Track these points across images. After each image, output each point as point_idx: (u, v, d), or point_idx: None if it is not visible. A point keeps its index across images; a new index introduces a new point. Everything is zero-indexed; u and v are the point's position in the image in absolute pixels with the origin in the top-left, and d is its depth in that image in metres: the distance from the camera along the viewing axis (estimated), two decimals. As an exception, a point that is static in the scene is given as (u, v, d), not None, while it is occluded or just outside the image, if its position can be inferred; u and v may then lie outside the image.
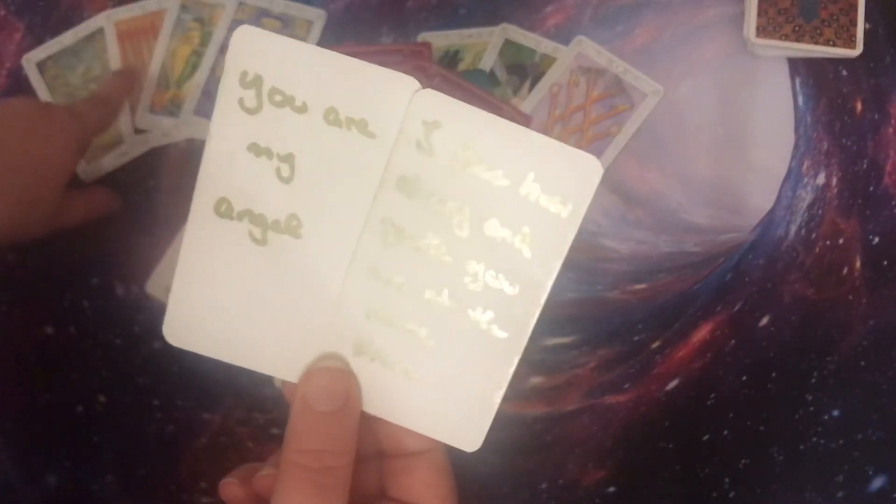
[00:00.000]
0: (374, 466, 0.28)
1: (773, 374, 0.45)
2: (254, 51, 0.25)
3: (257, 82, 0.25)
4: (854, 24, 0.46)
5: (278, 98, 0.25)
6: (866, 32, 0.47)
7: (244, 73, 0.25)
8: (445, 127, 0.25)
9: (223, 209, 0.26)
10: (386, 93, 0.25)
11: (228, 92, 0.25)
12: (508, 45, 0.48)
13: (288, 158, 0.25)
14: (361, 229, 0.25)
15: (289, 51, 0.25)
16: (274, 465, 0.26)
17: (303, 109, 0.25)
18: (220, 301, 0.26)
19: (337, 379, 0.26)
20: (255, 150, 0.25)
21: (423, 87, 0.24)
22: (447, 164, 0.25)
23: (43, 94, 0.49)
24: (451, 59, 0.49)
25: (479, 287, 0.25)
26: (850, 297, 0.45)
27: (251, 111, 0.25)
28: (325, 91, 0.25)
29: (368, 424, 0.27)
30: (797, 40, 0.46)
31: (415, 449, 0.27)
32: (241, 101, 0.25)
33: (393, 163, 0.25)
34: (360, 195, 0.25)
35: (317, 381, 0.26)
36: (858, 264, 0.45)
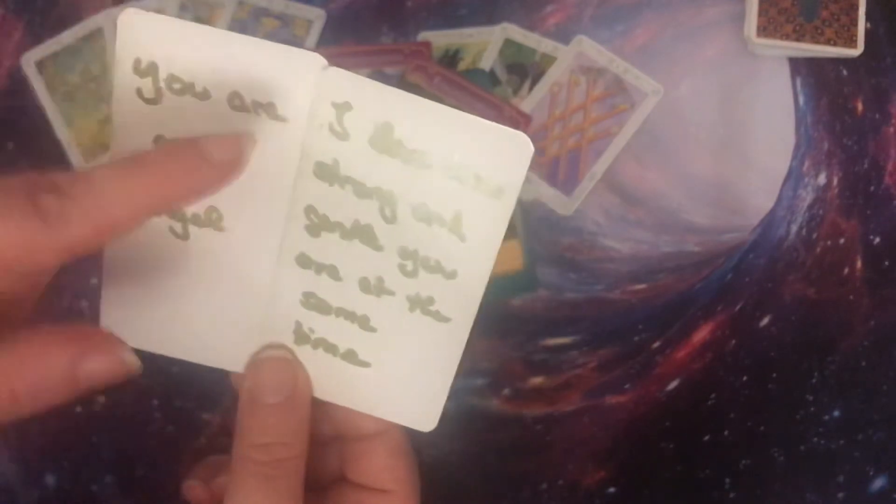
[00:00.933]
0: (332, 450, 0.28)
1: (774, 375, 0.45)
2: (144, 36, 0.23)
3: (153, 70, 0.23)
4: (855, 23, 0.46)
5: (177, 86, 0.23)
6: (867, 32, 0.46)
7: (137, 61, 0.23)
8: (358, 108, 0.23)
9: None
10: (290, 73, 0.23)
11: (124, 82, 0.23)
12: (508, 45, 0.48)
13: None
14: (285, 219, 0.24)
15: (182, 34, 0.23)
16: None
17: (205, 96, 0.23)
18: (152, 297, 0.25)
19: (282, 368, 0.25)
20: (162, 141, 0.24)
21: (330, 66, 0.23)
22: (365, 148, 0.23)
23: (42, 93, 0.49)
24: (451, 58, 0.48)
25: (416, 272, 0.24)
26: (851, 298, 0.45)
27: (151, 101, 0.23)
28: (226, 75, 0.23)
29: (324, 408, 0.26)
30: (798, 40, 0.46)
31: (371, 431, 0.27)
32: (139, 92, 0.23)
33: (308, 148, 0.23)
34: (278, 183, 0.24)
35: (262, 373, 0.25)
36: (859, 264, 0.45)
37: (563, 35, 0.48)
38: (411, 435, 0.27)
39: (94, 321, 0.45)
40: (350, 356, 0.26)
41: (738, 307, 0.46)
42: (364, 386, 0.26)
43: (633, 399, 0.45)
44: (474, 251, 0.24)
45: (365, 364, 0.26)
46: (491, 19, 0.49)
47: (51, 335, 0.21)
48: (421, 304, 0.25)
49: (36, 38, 0.50)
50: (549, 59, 0.48)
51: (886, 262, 0.45)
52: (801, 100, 0.47)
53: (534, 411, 0.45)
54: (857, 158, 0.47)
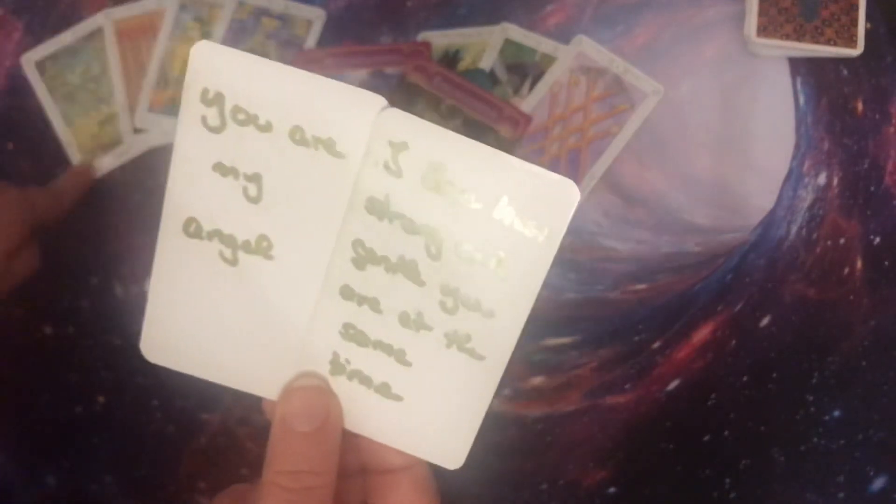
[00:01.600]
0: (356, 482, 0.28)
1: (774, 375, 0.45)
2: (214, 67, 0.24)
3: (219, 100, 0.24)
4: (855, 23, 0.46)
5: (241, 116, 0.24)
6: (867, 32, 0.46)
7: (205, 91, 0.24)
8: (413, 148, 0.24)
9: (192, 229, 0.25)
10: (351, 111, 0.24)
11: (190, 110, 0.24)
12: (508, 45, 0.48)
13: (255, 178, 0.25)
14: (332, 250, 0.25)
15: (250, 68, 0.24)
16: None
17: (267, 128, 0.24)
18: (195, 319, 0.26)
19: (316, 398, 0.26)
20: (221, 169, 0.25)
21: (389, 106, 0.24)
22: (417, 186, 0.24)
23: (42, 93, 0.49)
24: (451, 58, 0.48)
25: (456, 309, 0.25)
26: (852, 298, 0.45)
27: (215, 129, 0.24)
28: (290, 109, 0.24)
29: (351, 440, 0.27)
30: (798, 40, 0.46)
31: (397, 465, 0.27)
32: (203, 120, 0.24)
33: (361, 184, 0.24)
34: (329, 216, 0.25)
35: (296, 401, 0.26)
36: (859, 264, 0.45)
37: (563, 35, 0.48)
38: (435, 471, 0.27)
39: (94, 322, 0.45)
40: (384, 389, 0.26)
41: (738, 307, 0.46)
42: (395, 420, 0.26)
43: (634, 399, 0.45)
44: (514, 292, 0.25)
45: (398, 398, 0.26)
46: (491, 19, 0.49)
47: None
48: (458, 341, 0.25)
49: (36, 39, 0.50)
50: (549, 59, 0.48)
51: (886, 262, 0.45)
52: (801, 100, 0.47)
53: (534, 411, 0.45)
54: (858, 158, 0.47)
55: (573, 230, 0.47)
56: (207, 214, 0.25)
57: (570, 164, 0.47)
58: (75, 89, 0.49)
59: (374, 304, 0.25)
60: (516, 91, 0.48)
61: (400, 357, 0.26)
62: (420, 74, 0.47)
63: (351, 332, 0.26)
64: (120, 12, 0.50)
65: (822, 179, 0.47)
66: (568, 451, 0.44)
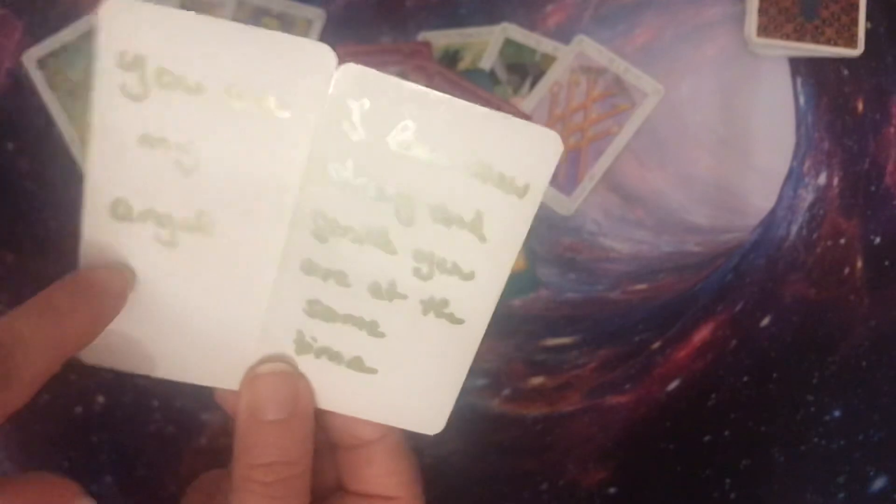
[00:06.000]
0: (327, 460, 0.27)
1: (774, 375, 0.44)
2: (130, 26, 0.21)
3: (139, 63, 0.21)
4: (855, 23, 0.46)
5: (167, 79, 0.21)
6: (867, 32, 0.46)
7: (122, 54, 0.21)
8: (375, 105, 0.22)
9: (120, 211, 0.22)
10: (301, 66, 0.21)
11: (106, 77, 0.21)
12: (509, 45, 0.48)
13: (187, 147, 0.22)
14: (288, 223, 0.23)
15: (173, 22, 0.21)
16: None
17: (198, 90, 0.21)
18: (134, 312, 0.23)
19: (284, 383, 0.24)
20: (149, 141, 0.22)
21: (343, 62, 0.21)
22: (382, 148, 0.22)
23: (44, 91, 0.49)
24: (451, 58, 0.48)
25: (431, 275, 0.23)
26: (852, 298, 0.45)
27: (136, 97, 0.21)
28: (223, 66, 0.21)
29: (319, 417, 0.25)
30: (798, 40, 0.46)
31: (369, 437, 0.26)
32: (122, 87, 0.21)
33: (318, 148, 0.22)
34: (280, 185, 0.22)
35: (262, 388, 0.24)
36: (860, 264, 0.45)
37: (563, 35, 0.48)
38: (412, 437, 0.26)
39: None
40: (356, 363, 0.25)
41: (738, 307, 0.45)
42: (369, 393, 0.25)
43: (634, 399, 0.45)
44: (494, 251, 0.23)
45: (371, 371, 0.25)
46: (491, 19, 0.49)
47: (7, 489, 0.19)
48: (435, 307, 0.24)
49: (36, 38, 0.50)
50: (549, 59, 0.48)
51: (887, 262, 0.45)
52: (802, 100, 0.47)
53: (534, 411, 0.45)
54: (858, 158, 0.47)
55: (573, 230, 0.47)
56: (137, 193, 0.22)
57: (570, 164, 0.47)
58: (77, 86, 0.49)
59: (341, 277, 0.23)
60: (516, 91, 0.48)
61: (372, 329, 0.24)
62: (420, 74, 0.47)
63: (317, 309, 0.24)
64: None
65: (822, 179, 0.47)
66: (568, 451, 0.44)
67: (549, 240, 0.47)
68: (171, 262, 0.23)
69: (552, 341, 0.46)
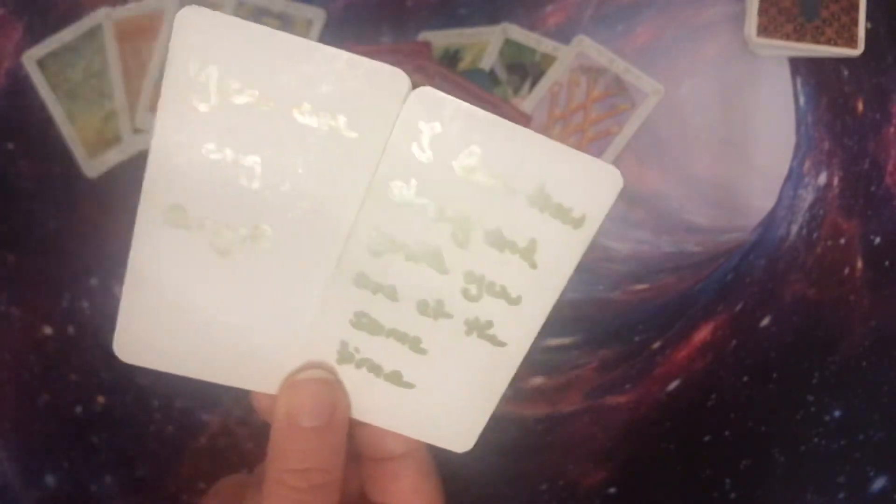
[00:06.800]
0: (352, 470, 0.27)
1: (775, 375, 0.44)
2: (204, 36, 0.21)
3: (209, 73, 0.21)
4: (855, 23, 0.46)
5: (235, 90, 0.21)
6: (867, 32, 0.46)
7: (193, 63, 0.21)
8: (446, 130, 0.22)
9: (176, 217, 0.23)
10: (373, 88, 0.22)
11: (176, 85, 0.21)
12: (509, 45, 0.48)
13: (251, 160, 0.22)
14: (345, 238, 0.23)
15: (247, 35, 0.21)
16: (260, 481, 0.25)
17: (266, 104, 0.22)
18: (180, 315, 0.24)
19: (323, 391, 0.24)
20: (212, 150, 0.22)
21: (418, 85, 0.22)
22: (446, 170, 0.22)
23: (44, 90, 0.49)
24: (451, 58, 0.48)
25: (480, 297, 0.24)
26: (852, 298, 0.45)
27: (203, 106, 0.22)
28: (295, 83, 0.21)
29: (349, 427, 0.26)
30: (798, 40, 0.46)
31: (398, 452, 0.26)
32: (191, 96, 0.21)
33: (384, 167, 0.22)
34: (342, 202, 0.23)
35: (302, 395, 0.24)
36: (860, 264, 0.45)
37: (563, 35, 0.48)
38: (437, 453, 0.27)
39: (94, 322, 0.45)
40: (394, 377, 0.25)
41: (738, 307, 0.45)
42: (404, 407, 0.25)
43: (634, 399, 0.45)
44: (544, 279, 0.23)
45: (409, 385, 0.25)
46: (491, 19, 0.49)
47: None
48: (479, 328, 0.24)
49: (36, 38, 0.50)
50: (549, 59, 0.48)
51: (887, 262, 0.45)
52: (802, 100, 0.47)
53: (534, 412, 0.45)
54: (858, 158, 0.47)
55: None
56: (196, 201, 0.22)
57: (570, 164, 0.47)
58: (77, 86, 0.49)
59: (391, 293, 0.24)
60: (516, 91, 0.48)
61: (415, 345, 0.24)
62: (420, 74, 0.47)
63: (363, 321, 0.24)
64: (120, 12, 0.50)
65: (822, 179, 0.47)
66: (568, 451, 0.44)
67: (549, 240, 0.47)
68: (223, 270, 0.23)
69: (552, 341, 0.46)
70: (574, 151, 0.22)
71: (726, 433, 0.44)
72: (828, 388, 0.44)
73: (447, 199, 0.23)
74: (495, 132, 0.22)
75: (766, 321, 0.45)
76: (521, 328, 0.24)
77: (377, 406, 0.25)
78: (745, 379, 0.45)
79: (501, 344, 0.24)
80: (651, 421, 0.45)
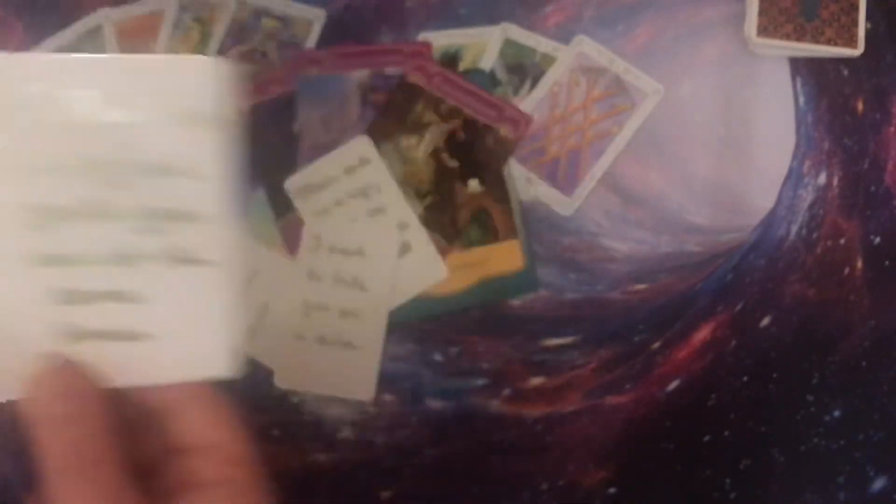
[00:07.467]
0: (148, 432, 0.26)
1: (774, 375, 0.44)
2: None
3: None
4: (855, 23, 0.46)
5: None
6: (867, 32, 0.46)
7: None
8: (32, 86, 0.22)
9: None
10: None
11: None
12: (508, 45, 0.48)
13: None
14: (6, 222, 0.23)
15: None
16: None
17: None
18: None
19: (61, 376, 0.24)
20: None
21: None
22: (64, 125, 0.23)
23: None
24: (451, 58, 0.48)
25: (162, 227, 0.24)
26: (852, 298, 0.45)
27: None
28: None
29: (122, 395, 0.25)
30: (798, 40, 0.46)
31: (176, 401, 0.26)
32: None
33: (15, 143, 0.23)
34: None
35: (42, 389, 0.23)
36: (860, 264, 0.45)
37: (563, 35, 0.48)
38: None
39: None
40: (129, 335, 0.25)
41: (738, 307, 0.45)
42: (153, 358, 0.25)
43: (634, 399, 0.45)
44: (205, 186, 0.24)
45: (147, 336, 0.25)
46: (491, 19, 0.49)
47: None
48: (179, 256, 0.24)
49: (36, 39, 0.50)
50: (549, 59, 0.48)
51: (887, 262, 0.45)
52: (802, 100, 0.47)
53: (534, 411, 0.45)
54: (858, 158, 0.47)
55: (573, 230, 0.47)
56: None
57: (570, 164, 0.47)
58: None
59: (78, 259, 0.24)
60: (516, 91, 0.48)
61: (131, 297, 0.24)
62: (420, 74, 0.47)
63: (66, 297, 0.24)
64: (120, 13, 0.50)
65: (822, 179, 0.47)
66: (568, 451, 0.44)
67: (549, 240, 0.47)
68: None
69: (552, 341, 0.46)
70: (156, 58, 0.23)
71: (726, 433, 0.44)
72: (828, 388, 0.44)
73: (80, 151, 0.23)
74: (80, 71, 0.23)
75: (766, 321, 0.45)
76: (215, 241, 0.25)
77: (128, 368, 0.25)
78: (745, 379, 0.45)
79: (209, 262, 0.25)
80: (651, 421, 0.45)
